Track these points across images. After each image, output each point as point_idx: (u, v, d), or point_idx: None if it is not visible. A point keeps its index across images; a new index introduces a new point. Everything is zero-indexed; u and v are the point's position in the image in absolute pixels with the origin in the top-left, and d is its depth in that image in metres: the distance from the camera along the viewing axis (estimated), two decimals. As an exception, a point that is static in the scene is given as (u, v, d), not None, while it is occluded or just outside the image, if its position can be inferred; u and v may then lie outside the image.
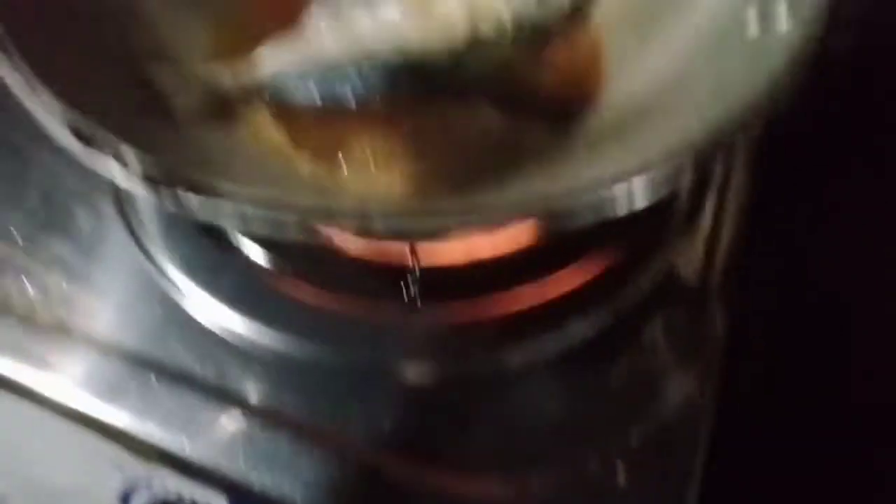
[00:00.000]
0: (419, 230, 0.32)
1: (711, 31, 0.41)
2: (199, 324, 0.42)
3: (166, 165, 0.30)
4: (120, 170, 0.30)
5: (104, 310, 0.44)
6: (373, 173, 0.41)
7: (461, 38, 0.44)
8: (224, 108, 0.42)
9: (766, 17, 0.38)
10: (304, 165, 0.41)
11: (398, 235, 0.37)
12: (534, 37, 0.46)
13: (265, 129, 0.42)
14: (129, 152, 0.30)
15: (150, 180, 0.30)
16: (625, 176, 0.30)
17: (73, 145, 0.31)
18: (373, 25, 0.43)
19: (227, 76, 0.43)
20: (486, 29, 0.45)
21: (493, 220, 0.33)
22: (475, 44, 0.44)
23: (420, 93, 0.44)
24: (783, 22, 0.37)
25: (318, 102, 0.44)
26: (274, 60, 0.43)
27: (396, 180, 0.40)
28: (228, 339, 0.41)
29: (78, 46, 0.37)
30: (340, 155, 0.41)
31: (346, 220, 0.31)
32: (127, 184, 0.31)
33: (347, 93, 0.44)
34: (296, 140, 0.42)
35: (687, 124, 0.34)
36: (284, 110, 0.43)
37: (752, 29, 0.38)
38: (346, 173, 0.41)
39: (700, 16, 0.42)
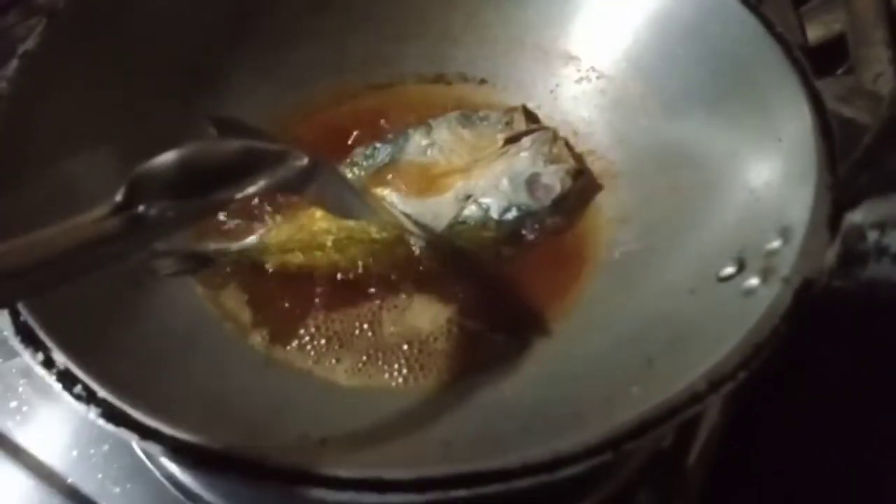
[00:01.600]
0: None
1: (689, 280, 0.39)
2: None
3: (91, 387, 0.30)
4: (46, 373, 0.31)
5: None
6: (320, 358, 0.42)
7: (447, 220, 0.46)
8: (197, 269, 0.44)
9: (742, 270, 0.36)
10: (258, 339, 0.43)
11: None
12: (518, 224, 0.47)
13: (226, 295, 0.44)
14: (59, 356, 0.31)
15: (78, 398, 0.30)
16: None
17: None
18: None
19: (210, 245, 0.45)
20: (471, 214, 0.46)
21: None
22: (459, 225, 0.46)
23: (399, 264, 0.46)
24: (758, 279, 0.35)
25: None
26: (263, 235, 0.46)
27: (340, 372, 0.41)
28: None
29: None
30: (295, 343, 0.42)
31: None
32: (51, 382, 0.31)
33: (323, 263, 0.46)
34: (257, 311, 0.43)
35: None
36: (251, 281, 0.44)
37: (730, 283, 0.37)
38: (294, 353, 0.42)
39: (679, 264, 0.40)
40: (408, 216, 0.46)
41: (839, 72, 0.67)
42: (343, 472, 0.29)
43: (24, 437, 0.44)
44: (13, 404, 0.45)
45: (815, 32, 0.69)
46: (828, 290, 0.34)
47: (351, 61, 0.54)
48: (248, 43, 0.51)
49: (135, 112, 0.45)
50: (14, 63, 0.40)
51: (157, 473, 0.43)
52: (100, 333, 0.35)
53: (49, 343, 0.31)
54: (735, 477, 0.46)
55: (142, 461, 0.43)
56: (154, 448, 0.29)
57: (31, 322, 0.32)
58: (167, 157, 0.28)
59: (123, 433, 0.29)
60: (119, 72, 0.45)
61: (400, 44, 0.54)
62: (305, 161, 0.33)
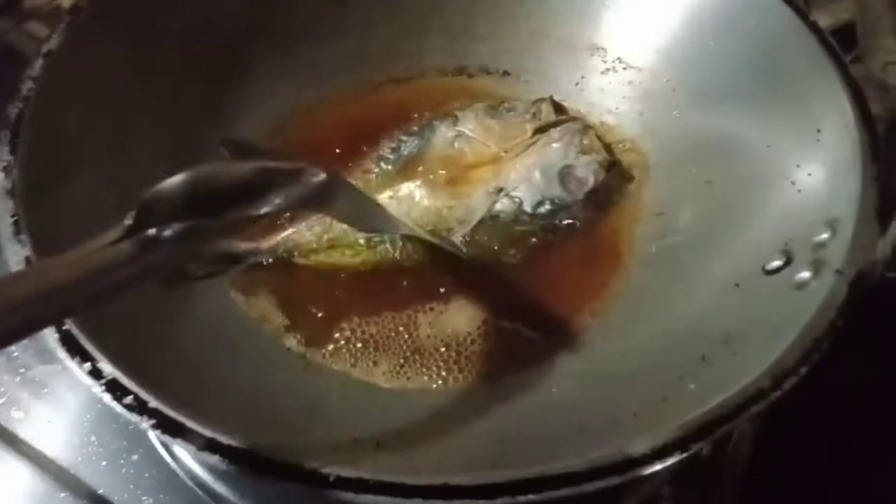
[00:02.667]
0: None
1: (734, 274, 0.38)
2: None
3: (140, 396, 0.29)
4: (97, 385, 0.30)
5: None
6: (357, 361, 0.41)
7: (480, 215, 0.45)
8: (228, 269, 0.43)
9: (790, 263, 0.36)
10: (294, 343, 0.42)
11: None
12: (551, 217, 0.46)
13: (262, 300, 0.43)
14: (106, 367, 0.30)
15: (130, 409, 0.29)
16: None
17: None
18: (394, 202, 0.45)
19: (241, 245, 0.44)
20: (504, 208, 0.45)
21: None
22: (492, 219, 0.46)
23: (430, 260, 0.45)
24: (808, 272, 0.35)
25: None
26: (293, 234, 0.45)
27: (378, 374, 0.41)
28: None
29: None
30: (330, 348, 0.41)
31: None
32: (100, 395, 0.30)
33: (355, 262, 0.45)
34: (292, 316, 0.42)
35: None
36: (286, 285, 0.44)
37: (778, 276, 0.36)
38: (331, 356, 0.41)
39: (722, 258, 0.40)
40: (427, 228, 0.45)
41: (847, 61, 0.67)
42: (408, 479, 0.28)
43: (51, 448, 0.43)
44: (39, 414, 0.44)
45: (822, 21, 0.68)
46: (883, 281, 0.33)
47: (372, 56, 0.53)
48: (269, 39, 0.50)
49: (158, 111, 0.44)
50: (38, 62, 0.39)
51: (189, 482, 0.42)
52: (142, 341, 0.34)
53: (95, 353, 0.30)
54: (773, 473, 0.46)
55: (173, 470, 0.43)
56: (213, 459, 0.28)
57: (75, 331, 0.31)
58: (177, 179, 0.27)
59: (180, 443, 0.28)
60: (142, 70, 0.44)
61: (421, 38, 0.53)
62: (322, 177, 0.32)
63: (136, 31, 0.43)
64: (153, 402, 0.29)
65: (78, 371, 0.30)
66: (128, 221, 0.25)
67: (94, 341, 0.31)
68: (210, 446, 0.28)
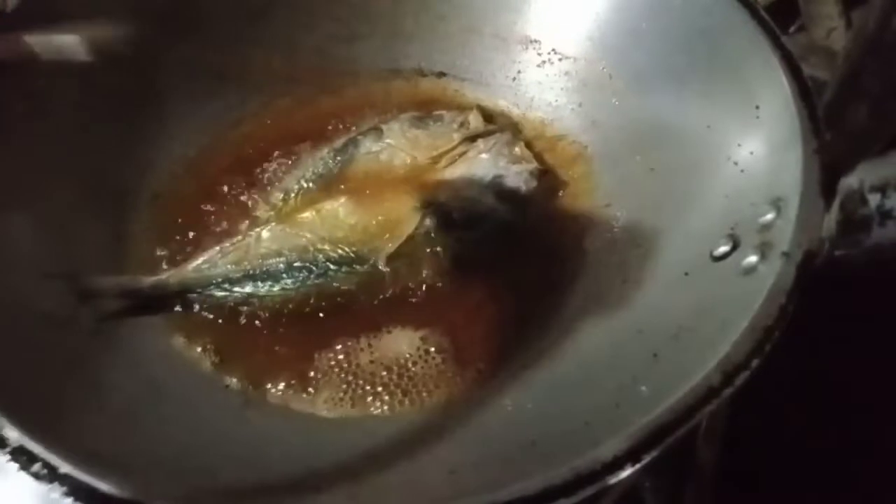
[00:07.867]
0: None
1: (682, 262, 0.37)
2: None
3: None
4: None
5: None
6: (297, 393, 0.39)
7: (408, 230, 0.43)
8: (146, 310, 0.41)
9: (737, 247, 0.34)
10: (232, 381, 0.40)
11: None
12: (484, 227, 0.44)
13: (193, 339, 0.41)
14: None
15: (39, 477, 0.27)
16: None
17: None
18: (317, 222, 0.42)
19: (146, 280, 0.41)
20: (432, 224, 0.43)
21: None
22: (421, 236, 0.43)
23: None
24: (755, 255, 0.33)
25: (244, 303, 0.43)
26: (204, 265, 0.42)
27: (319, 404, 0.39)
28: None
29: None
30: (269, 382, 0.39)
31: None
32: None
33: (276, 292, 0.43)
34: (226, 353, 0.40)
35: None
36: (217, 321, 0.41)
37: (726, 262, 0.35)
38: (270, 391, 0.39)
39: (670, 246, 0.39)
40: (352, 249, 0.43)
41: (791, 30, 0.66)
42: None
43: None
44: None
45: (763, -8, 0.68)
46: (830, 261, 0.32)
47: (300, 68, 0.51)
48: (182, 66, 0.47)
49: (71, 155, 0.42)
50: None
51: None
52: (58, 396, 0.32)
53: (-1, 417, 0.28)
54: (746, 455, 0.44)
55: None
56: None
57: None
58: None
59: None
60: (45, 116, 0.42)
61: (350, 44, 0.52)
62: None
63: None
64: (64, 468, 0.27)
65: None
66: None
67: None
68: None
